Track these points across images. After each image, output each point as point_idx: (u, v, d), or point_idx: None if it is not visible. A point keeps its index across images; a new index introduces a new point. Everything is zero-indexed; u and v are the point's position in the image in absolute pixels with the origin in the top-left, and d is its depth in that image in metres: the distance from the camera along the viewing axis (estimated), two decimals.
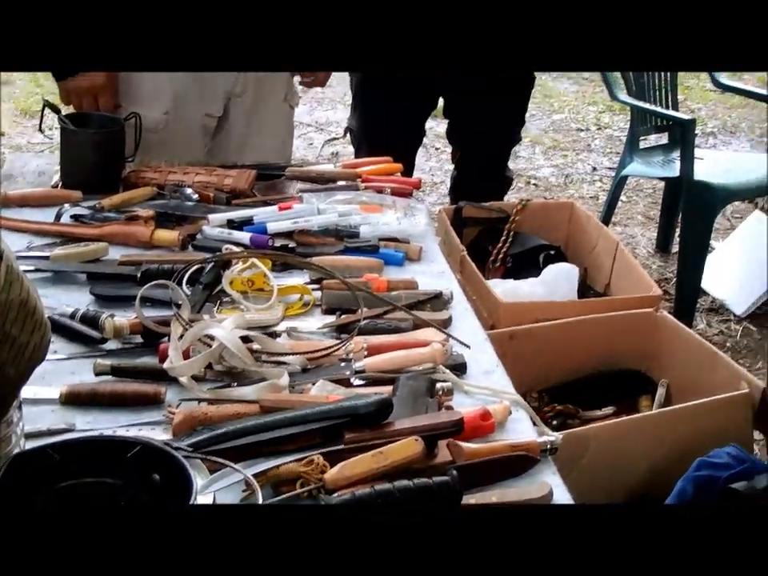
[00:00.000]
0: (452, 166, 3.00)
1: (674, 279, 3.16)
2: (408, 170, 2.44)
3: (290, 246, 1.47)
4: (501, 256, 2.15)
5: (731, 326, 3.04)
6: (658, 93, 3.35)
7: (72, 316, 1.24)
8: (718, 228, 3.41)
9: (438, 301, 1.35)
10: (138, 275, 1.34)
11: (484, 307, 1.86)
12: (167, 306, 1.24)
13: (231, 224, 1.50)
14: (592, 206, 3.85)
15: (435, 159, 4.06)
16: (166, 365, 1.11)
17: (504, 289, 1.95)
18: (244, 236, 1.46)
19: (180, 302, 1.20)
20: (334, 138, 4.32)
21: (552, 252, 2.18)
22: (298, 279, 1.38)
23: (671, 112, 3.33)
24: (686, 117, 3.05)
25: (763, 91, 3.89)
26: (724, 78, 3.54)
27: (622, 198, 3.64)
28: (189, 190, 1.59)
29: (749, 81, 5.71)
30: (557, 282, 2.01)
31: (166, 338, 1.17)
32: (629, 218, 3.83)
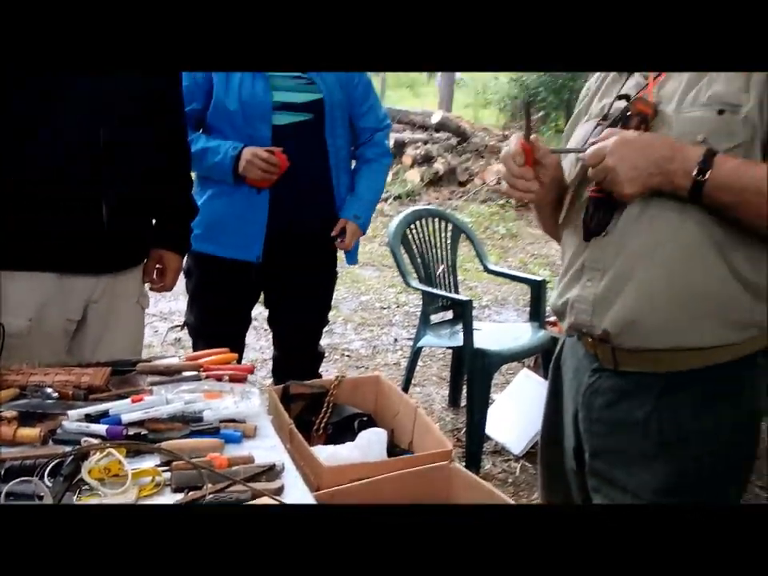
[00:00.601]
0: None
1: (464, 428, 3.23)
2: (240, 352, 2.46)
3: (142, 433, 1.44)
4: (323, 425, 2.18)
5: (512, 465, 3.13)
6: (442, 278, 3.60)
7: None
8: (497, 383, 3.55)
9: (271, 472, 1.36)
10: (2, 472, 1.27)
11: (311, 472, 1.86)
12: (31, 498, 1.19)
13: (89, 418, 1.46)
14: (395, 371, 3.96)
15: (264, 339, 4.07)
16: None
17: (327, 454, 1.96)
18: (101, 428, 1.42)
19: (42, 494, 1.17)
20: (177, 326, 4.28)
21: (365, 419, 2.23)
22: (150, 462, 1.35)
23: (453, 294, 3.54)
24: (464, 298, 3.22)
25: (519, 274, 4.21)
26: (491, 265, 3.81)
27: (419, 363, 3.75)
28: (49, 389, 1.54)
29: (513, 265, 6.23)
30: (369, 444, 2.03)
31: None
32: (425, 380, 3.93)
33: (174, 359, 1.86)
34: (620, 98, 1.39)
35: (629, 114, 1.32)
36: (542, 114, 16.79)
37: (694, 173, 1.20)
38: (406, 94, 27.48)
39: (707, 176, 1.20)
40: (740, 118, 1.23)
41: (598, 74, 1.59)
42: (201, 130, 2.45)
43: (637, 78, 1.43)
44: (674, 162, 1.23)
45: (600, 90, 1.53)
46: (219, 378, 1.71)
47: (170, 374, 1.72)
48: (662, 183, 1.25)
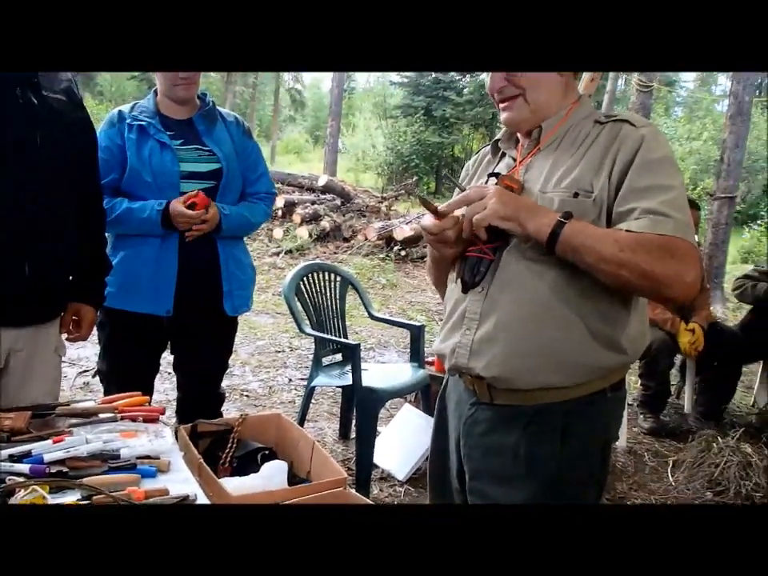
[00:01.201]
0: None
1: (354, 458, 3.25)
2: (149, 395, 2.42)
3: (64, 470, 1.40)
4: (229, 459, 2.15)
5: (397, 489, 3.16)
6: (332, 325, 3.65)
7: None
8: (382, 417, 3.59)
9: (185, 502, 1.34)
10: None
11: (219, 501, 1.81)
12: None
13: (12, 458, 1.41)
14: (290, 408, 3.94)
15: (168, 382, 3.98)
16: None
17: (233, 485, 1.94)
18: (24, 467, 1.38)
19: None
20: (85, 371, 4.14)
21: (267, 452, 2.21)
22: (72, 497, 1.31)
23: (342, 339, 3.58)
24: (353, 342, 3.25)
25: (400, 320, 4.31)
26: (376, 312, 3.87)
27: (312, 401, 3.76)
28: None
29: (394, 311, 6.34)
30: (272, 475, 2.02)
31: None
32: (318, 416, 3.93)
33: (91, 402, 1.81)
34: (491, 175, 1.50)
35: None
36: (415, 179, 17.32)
37: (556, 219, 1.30)
38: (294, 159, 27.71)
39: (566, 224, 1.29)
40: (591, 200, 1.35)
41: (475, 156, 1.71)
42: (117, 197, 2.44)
43: (507, 160, 1.55)
44: (540, 212, 1.33)
45: (477, 171, 1.65)
46: (134, 419, 1.69)
47: (88, 416, 1.68)
48: (526, 221, 1.32)
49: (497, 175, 1.46)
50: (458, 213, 1.45)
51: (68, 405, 1.76)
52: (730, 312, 7.55)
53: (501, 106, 1.50)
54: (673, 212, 1.29)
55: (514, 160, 1.53)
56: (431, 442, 1.71)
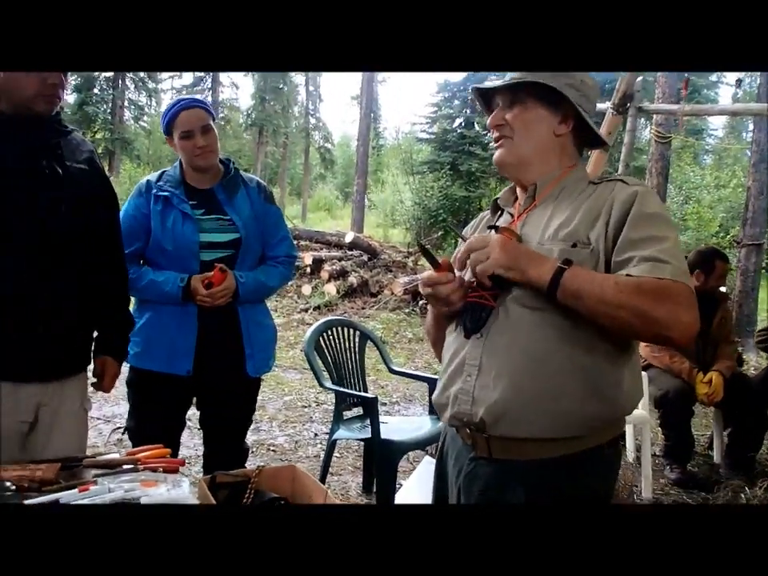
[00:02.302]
0: None
1: None
2: (175, 450, 2.55)
3: None
4: None
5: None
6: (352, 379, 3.75)
7: None
8: (405, 470, 3.64)
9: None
10: None
11: None
12: None
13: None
14: (315, 463, 3.99)
15: (198, 437, 4.02)
16: None
17: None
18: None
19: None
20: (119, 428, 4.24)
21: (282, 501, 2.29)
22: None
23: (361, 393, 3.65)
24: (370, 396, 3.33)
25: (417, 373, 4.38)
26: (395, 366, 3.98)
27: (336, 455, 3.84)
28: (7, 483, 1.59)
29: (419, 365, 6.41)
30: None
31: None
32: (342, 469, 3.97)
33: (115, 455, 1.93)
34: (490, 227, 1.59)
35: None
36: (441, 233, 17.52)
37: (556, 265, 1.37)
38: (324, 216, 28.25)
39: (566, 269, 1.36)
40: (589, 251, 1.43)
41: (476, 219, 1.81)
42: (141, 262, 2.61)
43: (505, 216, 1.65)
44: (541, 259, 1.40)
45: (478, 228, 1.75)
46: (154, 470, 1.80)
47: (112, 467, 1.80)
48: (527, 268, 1.39)
49: (496, 228, 1.54)
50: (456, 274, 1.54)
51: (94, 457, 1.88)
52: (763, 360, 7.47)
53: (495, 144, 1.60)
54: (670, 258, 1.36)
55: (512, 215, 1.62)
56: (432, 497, 1.75)
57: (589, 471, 1.47)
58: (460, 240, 1.66)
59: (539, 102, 1.55)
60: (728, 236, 13.94)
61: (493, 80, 1.63)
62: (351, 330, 3.81)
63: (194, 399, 2.75)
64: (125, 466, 1.80)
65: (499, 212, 1.71)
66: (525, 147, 1.56)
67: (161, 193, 2.56)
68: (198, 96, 2.65)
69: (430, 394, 3.69)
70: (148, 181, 2.63)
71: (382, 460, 3.23)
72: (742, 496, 3.66)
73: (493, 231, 1.54)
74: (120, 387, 2.44)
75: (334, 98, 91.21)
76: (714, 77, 27.37)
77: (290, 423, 4.78)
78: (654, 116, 7.20)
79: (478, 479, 1.54)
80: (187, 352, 2.55)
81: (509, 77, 1.56)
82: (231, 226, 2.58)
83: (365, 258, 10.55)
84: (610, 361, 1.44)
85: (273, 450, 4.27)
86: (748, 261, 7.69)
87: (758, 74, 7.45)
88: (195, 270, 2.53)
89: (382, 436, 3.20)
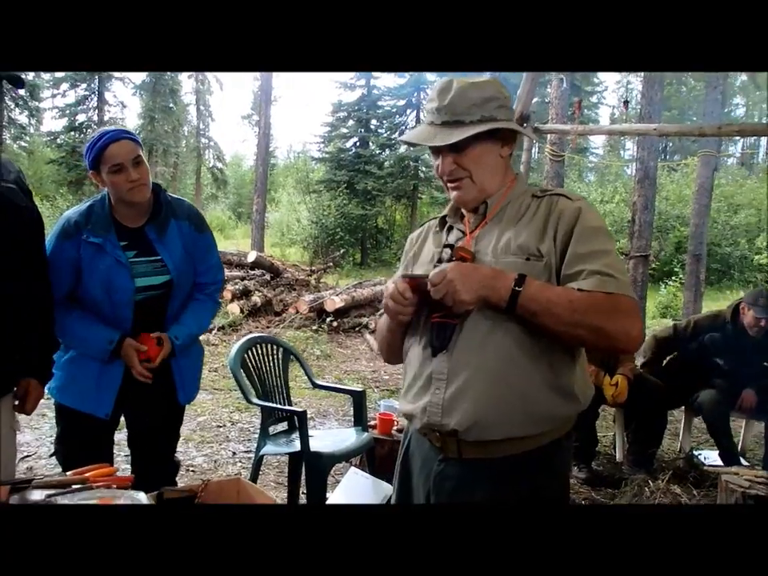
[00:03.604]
0: None
1: None
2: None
3: None
4: None
5: None
6: (277, 395, 3.77)
7: None
8: (329, 482, 3.61)
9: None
10: None
11: None
12: None
13: None
14: None
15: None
16: None
17: None
18: None
19: None
20: (26, 456, 4.12)
21: None
22: None
23: (289, 407, 3.71)
24: (299, 410, 3.38)
25: (342, 386, 4.44)
26: (318, 380, 4.03)
27: (261, 470, 3.86)
28: None
29: (330, 381, 6.46)
30: None
31: None
32: (265, 485, 3.98)
33: (63, 475, 1.91)
34: (446, 245, 1.69)
35: (453, 258, 1.60)
36: (342, 251, 17.69)
37: (512, 285, 1.47)
38: (217, 236, 27.73)
39: (522, 288, 1.46)
40: (542, 264, 1.55)
41: (419, 230, 1.89)
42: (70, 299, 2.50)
43: (455, 233, 1.73)
44: (498, 280, 1.49)
45: (425, 242, 1.81)
46: (108, 486, 1.81)
47: (64, 487, 1.79)
48: (489, 294, 1.48)
49: (452, 246, 1.65)
50: (419, 271, 1.65)
51: (43, 478, 1.85)
52: None
53: (450, 186, 1.67)
54: (615, 273, 1.50)
55: (462, 232, 1.71)
56: (396, 498, 1.83)
57: (554, 463, 1.62)
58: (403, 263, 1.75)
59: (482, 135, 1.60)
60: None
61: (427, 116, 1.67)
62: (275, 347, 3.85)
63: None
64: (75, 486, 1.79)
65: (446, 228, 1.78)
66: (485, 182, 1.65)
67: (92, 239, 2.42)
68: (123, 127, 2.57)
69: (355, 405, 3.80)
70: (76, 223, 2.45)
71: (313, 472, 3.27)
72: (647, 490, 3.93)
73: (448, 250, 1.65)
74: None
75: (225, 117, 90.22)
76: (594, 98, 29.06)
77: (207, 444, 4.74)
78: (548, 135, 7.63)
79: (449, 478, 1.64)
80: (109, 396, 2.51)
81: (441, 119, 1.61)
82: (163, 268, 2.52)
83: (267, 277, 10.52)
84: (565, 361, 1.58)
85: (192, 471, 4.22)
86: (636, 271, 8.22)
87: (641, 95, 7.99)
88: (128, 317, 2.47)
89: (312, 449, 3.26)
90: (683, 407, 4.89)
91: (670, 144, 32.26)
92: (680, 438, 5.00)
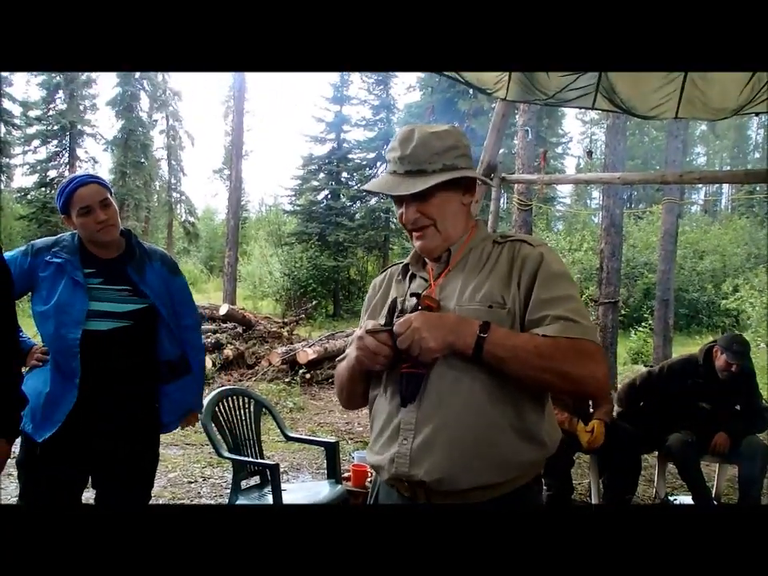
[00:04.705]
0: None
1: None
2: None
3: None
4: None
5: None
6: (249, 448, 3.72)
7: None
8: None
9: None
10: None
11: None
12: None
13: None
14: None
15: None
16: None
17: None
18: None
19: None
20: None
21: None
22: None
23: (261, 460, 3.66)
24: (271, 463, 3.36)
25: (316, 438, 4.42)
26: (290, 433, 4.00)
27: None
28: None
29: (303, 433, 6.39)
30: None
31: None
32: None
33: None
34: (412, 294, 1.67)
35: (419, 307, 1.59)
36: (314, 303, 17.68)
37: (477, 332, 1.48)
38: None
39: (487, 335, 1.47)
40: (505, 311, 1.56)
41: (382, 275, 1.89)
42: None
43: (418, 281, 1.73)
44: (463, 327, 1.50)
45: (389, 289, 1.81)
46: None
47: None
48: (455, 341, 1.49)
49: (418, 295, 1.64)
50: (382, 321, 1.62)
51: None
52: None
53: (414, 235, 1.68)
54: (579, 318, 1.52)
55: (426, 280, 1.72)
56: None
57: (521, 503, 1.60)
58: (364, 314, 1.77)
59: (445, 184, 1.62)
60: (584, 296, 15.00)
61: (389, 165, 1.69)
62: (246, 399, 3.82)
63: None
64: None
65: (409, 275, 1.79)
66: (448, 229, 1.67)
67: (54, 259, 2.47)
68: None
69: (328, 458, 3.76)
70: (38, 248, 2.51)
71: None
72: None
73: (413, 299, 1.63)
74: None
75: (197, 171, 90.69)
76: (560, 149, 29.79)
77: (178, 500, 4.62)
78: (516, 185, 7.79)
79: None
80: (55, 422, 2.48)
81: (403, 168, 1.63)
82: (132, 297, 2.53)
83: (239, 329, 10.46)
84: (533, 408, 1.59)
85: None
86: (606, 318, 8.34)
87: (605, 145, 8.21)
88: (74, 341, 2.42)
89: (284, 502, 3.22)
90: (656, 453, 4.89)
91: (635, 192, 33.08)
92: (655, 483, 5.00)
